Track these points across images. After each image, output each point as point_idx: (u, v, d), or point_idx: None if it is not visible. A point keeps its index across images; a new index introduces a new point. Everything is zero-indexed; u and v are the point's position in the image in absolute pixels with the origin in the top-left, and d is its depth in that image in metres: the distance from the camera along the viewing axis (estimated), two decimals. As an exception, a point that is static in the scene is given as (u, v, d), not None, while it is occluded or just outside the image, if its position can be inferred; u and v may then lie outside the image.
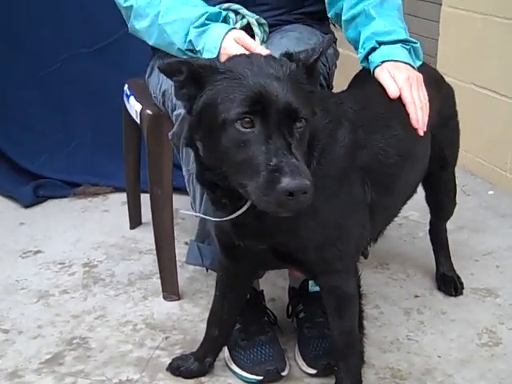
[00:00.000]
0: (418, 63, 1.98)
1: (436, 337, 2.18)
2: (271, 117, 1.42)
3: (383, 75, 1.89)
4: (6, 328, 2.22)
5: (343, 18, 2.04)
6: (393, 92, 1.85)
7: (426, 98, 1.88)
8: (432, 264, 2.50)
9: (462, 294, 2.40)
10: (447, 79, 2.26)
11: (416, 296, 2.41)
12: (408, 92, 1.85)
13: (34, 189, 3.12)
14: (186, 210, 2.06)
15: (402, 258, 2.65)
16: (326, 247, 1.70)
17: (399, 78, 1.86)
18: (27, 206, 3.07)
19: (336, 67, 2.26)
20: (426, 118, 1.86)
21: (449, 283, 2.42)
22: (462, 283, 2.43)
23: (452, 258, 2.49)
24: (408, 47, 1.95)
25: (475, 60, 3.34)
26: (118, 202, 3.11)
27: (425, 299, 2.39)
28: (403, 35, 1.95)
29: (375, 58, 1.93)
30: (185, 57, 2.04)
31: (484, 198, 3.21)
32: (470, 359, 2.07)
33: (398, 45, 1.92)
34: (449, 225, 2.51)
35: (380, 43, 1.93)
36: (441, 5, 3.55)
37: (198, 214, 1.98)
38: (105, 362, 2.06)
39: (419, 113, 1.84)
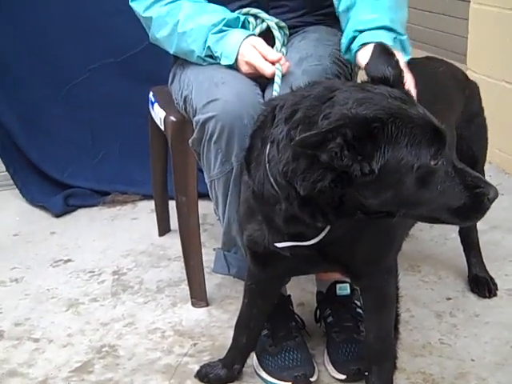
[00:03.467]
0: (406, 58, 1.83)
1: (469, 340, 2.13)
2: (445, 143, 1.45)
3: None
4: (37, 337, 2.24)
5: (339, 9, 1.95)
6: None
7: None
8: (464, 265, 2.45)
9: (495, 295, 2.35)
10: (477, 77, 2.23)
11: (448, 298, 2.36)
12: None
13: (64, 198, 3.15)
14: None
15: (434, 260, 2.59)
16: (376, 249, 1.70)
17: None
18: (58, 215, 3.10)
19: (359, 67, 2.22)
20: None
21: (482, 285, 2.36)
22: (495, 284, 2.38)
23: (485, 259, 2.43)
24: (393, 36, 1.82)
25: (506, 57, 3.26)
26: (146, 209, 3.12)
27: (457, 301, 2.34)
28: (386, 22, 1.83)
29: (355, 44, 1.84)
30: (205, 64, 2.04)
31: (518, 197, 3.12)
32: (504, 362, 2.02)
33: (381, 31, 1.82)
34: (482, 225, 2.45)
35: (360, 31, 1.84)
36: (469, 2, 3.50)
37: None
38: (133, 369, 2.06)
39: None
